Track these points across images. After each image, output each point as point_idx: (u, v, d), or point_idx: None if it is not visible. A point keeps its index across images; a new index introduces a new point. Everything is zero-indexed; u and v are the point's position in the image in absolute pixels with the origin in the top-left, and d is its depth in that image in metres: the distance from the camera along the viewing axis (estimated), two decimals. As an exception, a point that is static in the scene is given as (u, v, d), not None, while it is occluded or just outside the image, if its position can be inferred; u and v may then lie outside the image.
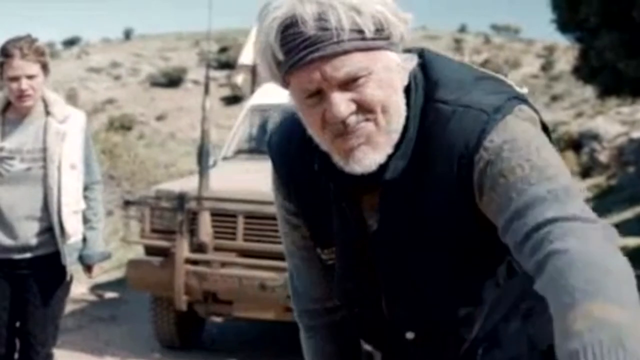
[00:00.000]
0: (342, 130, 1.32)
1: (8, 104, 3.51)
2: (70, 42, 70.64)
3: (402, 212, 1.42)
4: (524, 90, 1.54)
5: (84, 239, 3.66)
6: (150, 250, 5.72)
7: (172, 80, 50.27)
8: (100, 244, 3.76)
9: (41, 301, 3.52)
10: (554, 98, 37.26)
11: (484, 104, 1.35)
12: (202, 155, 5.61)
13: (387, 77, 1.33)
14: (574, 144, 22.37)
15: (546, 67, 52.35)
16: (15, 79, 3.37)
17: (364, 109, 1.32)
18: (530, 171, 1.26)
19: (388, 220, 1.43)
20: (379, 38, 1.31)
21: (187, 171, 14.28)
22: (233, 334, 6.54)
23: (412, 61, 1.41)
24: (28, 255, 3.50)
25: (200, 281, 5.41)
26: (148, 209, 5.63)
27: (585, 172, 20.58)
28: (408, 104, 1.39)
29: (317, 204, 1.51)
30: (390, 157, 1.37)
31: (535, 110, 1.42)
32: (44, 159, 3.46)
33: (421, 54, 1.45)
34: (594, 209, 1.26)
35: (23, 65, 3.36)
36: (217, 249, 5.47)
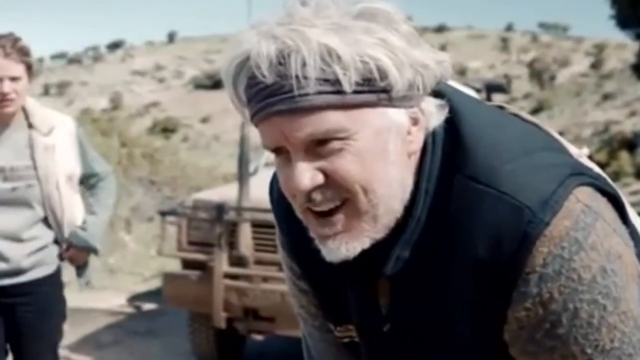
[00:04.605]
0: (310, 206, 1.04)
1: None
2: (115, 46, 71.45)
3: (412, 308, 1.13)
4: (584, 152, 1.17)
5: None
6: (187, 264, 5.40)
7: (217, 82, 50.57)
8: (94, 234, 3.24)
9: (37, 331, 3.12)
10: (605, 97, 36.44)
11: (527, 194, 1.01)
12: (242, 163, 5.26)
13: (376, 146, 1.01)
14: (628, 144, 21.80)
15: (596, 65, 51.40)
16: None
17: (336, 184, 1.01)
18: (594, 351, 1.02)
19: (396, 314, 1.15)
20: (369, 91, 0.98)
21: (231, 174, 14.05)
22: (275, 353, 6.22)
23: (439, 115, 1.06)
24: (19, 279, 3.09)
25: (240, 297, 5.07)
26: (185, 220, 5.31)
27: (641, 174, 20.01)
28: (419, 171, 1.06)
29: (327, 276, 1.19)
30: (389, 244, 1.07)
31: (602, 180, 1.07)
32: (37, 178, 3.04)
33: (448, 101, 1.07)
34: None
35: (6, 65, 2.91)
36: (258, 262, 5.11)
